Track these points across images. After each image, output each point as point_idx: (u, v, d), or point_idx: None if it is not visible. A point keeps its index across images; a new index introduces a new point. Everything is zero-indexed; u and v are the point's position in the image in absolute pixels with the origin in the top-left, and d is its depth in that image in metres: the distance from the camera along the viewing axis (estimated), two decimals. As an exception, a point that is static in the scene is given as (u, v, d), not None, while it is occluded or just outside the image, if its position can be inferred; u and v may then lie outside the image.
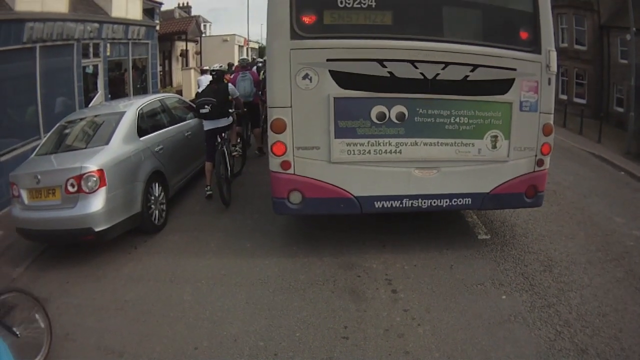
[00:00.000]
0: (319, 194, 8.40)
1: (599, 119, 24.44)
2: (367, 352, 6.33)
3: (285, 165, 8.31)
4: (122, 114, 10.48)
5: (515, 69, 8.32)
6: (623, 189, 14.50)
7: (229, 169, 11.89)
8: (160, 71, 36.25)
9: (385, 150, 8.37)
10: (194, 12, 55.17)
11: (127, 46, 25.70)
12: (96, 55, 22.62)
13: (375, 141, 8.32)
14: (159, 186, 10.49)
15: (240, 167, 13.92)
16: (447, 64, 8.09)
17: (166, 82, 37.15)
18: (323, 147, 8.23)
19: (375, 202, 8.51)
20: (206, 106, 11.43)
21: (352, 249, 9.16)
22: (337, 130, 8.18)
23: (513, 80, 8.36)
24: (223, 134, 11.81)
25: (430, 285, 7.94)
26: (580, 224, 10.79)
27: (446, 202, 8.70)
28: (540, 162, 8.81)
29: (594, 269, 8.58)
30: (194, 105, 12.24)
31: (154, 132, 11.09)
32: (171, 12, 49.04)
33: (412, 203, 8.59)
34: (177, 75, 39.14)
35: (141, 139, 10.46)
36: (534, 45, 8.35)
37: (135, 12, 25.67)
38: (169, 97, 13.65)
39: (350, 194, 8.45)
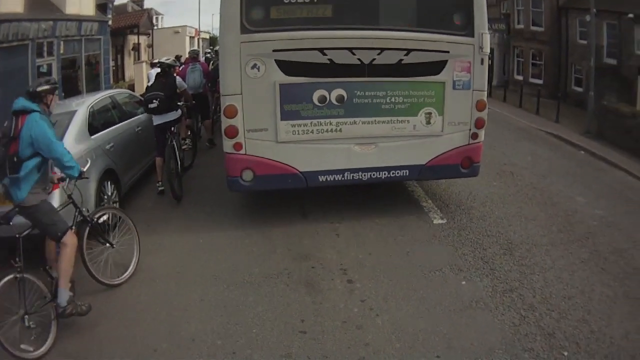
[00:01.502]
0: (269, 171, 9.18)
1: (557, 99, 24.74)
2: (326, 345, 6.11)
3: (238, 146, 9.06)
4: (73, 113, 10.03)
5: (448, 52, 9.20)
6: (584, 168, 14.57)
7: (180, 163, 11.65)
8: (113, 66, 35.82)
9: (327, 130, 9.20)
10: (146, 5, 54.42)
11: (80, 43, 25.34)
12: (50, 54, 22.19)
13: (318, 122, 9.15)
14: (111, 185, 10.11)
15: (191, 160, 13.78)
16: (382, 49, 8.94)
17: (119, 76, 36.43)
18: (271, 128, 9.05)
19: (320, 177, 9.38)
20: (154, 101, 11.06)
21: (306, 239, 9.01)
22: (283, 113, 9.01)
23: (446, 61, 9.25)
24: (172, 128, 11.54)
25: (387, 273, 7.74)
26: (540, 205, 10.74)
27: (385, 174, 9.57)
28: (474, 135, 9.71)
29: (557, 250, 8.52)
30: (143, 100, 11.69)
31: (105, 129, 10.72)
32: (124, 6, 47.93)
33: (353, 176, 9.48)
34: (130, 70, 38.48)
35: (92, 137, 10.06)
36: (467, 29, 9.22)
37: (88, 7, 25.19)
38: (119, 92, 13.22)
39: (297, 169, 9.28)
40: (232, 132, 9.02)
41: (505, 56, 38.85)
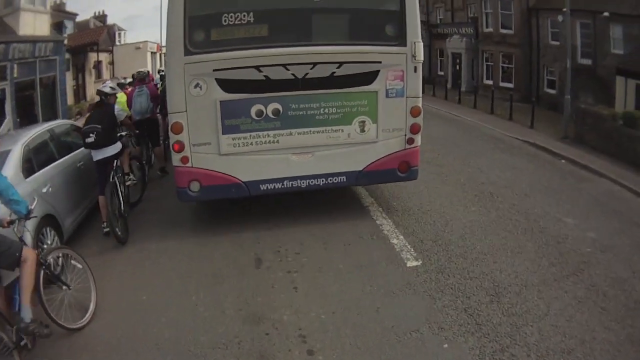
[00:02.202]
0: (214, 182, 9.72)
1: (530, 103, 23.94)
2: None
3: (184, 159, 9.58)
4: (6, 153, 9.09)
5: (380, 62, 9.59)
6: (567, 180, 13.67)
7: (123, 202, 10.59)
8: (73, 86, 35.00)
9: (265, 141, 9.70)
10: (110, 21, 53.24)
11: (35, 65, 24.00)
12: (3, 78, 21.07)
13: (256, 134, 9.66)
14: (51, 232, 9.06)
15: (139, 193, 12.49)
16: (314, 64, 9.39)
17: (80, 96, 34.86)
18: (214, 142, 9.57)
19: (261, 185, 9.87)
20: (91, 134, 10.01)
21: (260, 295, 7.81)
22: (224, 127, 9.52)
23: (378, 71, 9.62)
24: (114, 163, 10.55)
25: (354, 339, 6.52)
26: (526, 232, 9.72)
27: (322, 180, 10.01)
28: (410, 141, 10.08)
29: (550, 290, 7.58)
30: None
31: (42, 169, 9.74)
32: (86, 22, 46.80)
33: (292, 184, 9.97)
34: (91, 88, 36.73)
35: (28, 179, 9.12)
36: (400, 39, 9.58)
37: (43, 27, 24.06)
38: (59, 124, 12.08)
39: (239, 180, 9.81)
40: (179, 147, 9.50)
41: (474, 61, 37.91)
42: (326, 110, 9.77)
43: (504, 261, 8.49)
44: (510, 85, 33.00)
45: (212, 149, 9.64)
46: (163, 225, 10.73)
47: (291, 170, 9.90)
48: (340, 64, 9.50)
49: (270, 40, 9.44)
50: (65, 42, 26.77)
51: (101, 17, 52.52)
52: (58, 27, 26.60)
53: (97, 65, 39.22)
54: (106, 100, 10.74)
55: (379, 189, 11.80)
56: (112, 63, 43.00)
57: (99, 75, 39.61)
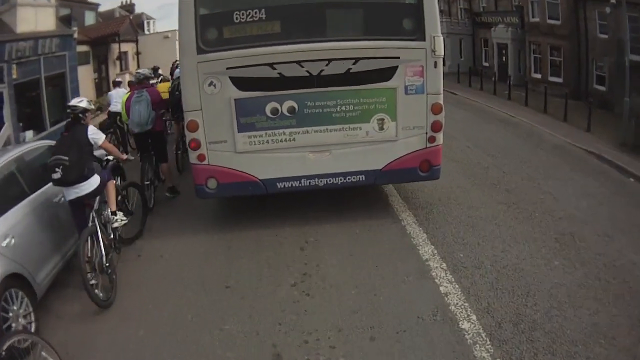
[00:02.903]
0: (231, 179, 9.85)
1: (579, 99, 24.04)
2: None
3: (201, 157, 9.74)
4: None
5: (398, 57, 9.44)
6: None
7: (104, 254, 8.18)
8: (95, 79, 34.58)
9: (281, 139, 9.71)
10: (141, 10, 53.46)
11: (39, 63, 22.58)
12: (0, 80, 19.49)
13: (272, 132, 9.68)
14: (18, 294, 7.17)
15: (139, 226, 10.56)
16: (330, 60, 9.32)
17: (103, 89, 34.11)
18: (230, 140, 9.67)
19: (278, 183, 9.94)
20: (57, 169, 7.95)
21: None
22: (240, 125, 9.61)
23: (396, 67, 9.48)
24: (95, 200, 8.58)
25: None
26: (617, 299, 7.62)
27: (340, 179, 9.99)
28: (431, 139, 9.91)
29: None
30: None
31: (3, 214, 7.61)
32: (111, 12, 45.10)
33: (309, 182, 9.97)
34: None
35: None
36: (418, 33, 9.40)
37: (47, 22, 23.16)
38: (32, 148, 9.57)
39: (256, 177, 9.89)
40: (196, 145, 9.68)
41: (521, 52, 36.63)
42: (343, 108, 9.72)
43: (599, 353, 6.35)
44: (559, 80, 31.97)
45: (229, 146, 9.77)
46: (164, 277, 8.87)
47: (308, 168, 9.94)
48: (357, 60, 9.45)
49: (283, 37, 9.46)
50: (75, 35, 24.94)
51: (128, 7, 51.97)
52: (67, 20, 24.68)
53: (121, 56, 38.27)
54: (81, 120, 8.62)
55: (441, 230, 10.02)
56: (138, 53, 41.71)
57: (125, 67, 38.99)
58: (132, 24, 40.55)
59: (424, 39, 9.45)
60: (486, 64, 41.06)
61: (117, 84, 18.95)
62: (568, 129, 21.29)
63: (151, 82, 13.62)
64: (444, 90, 9.93)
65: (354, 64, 9.43)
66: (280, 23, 9.49)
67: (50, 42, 22.83)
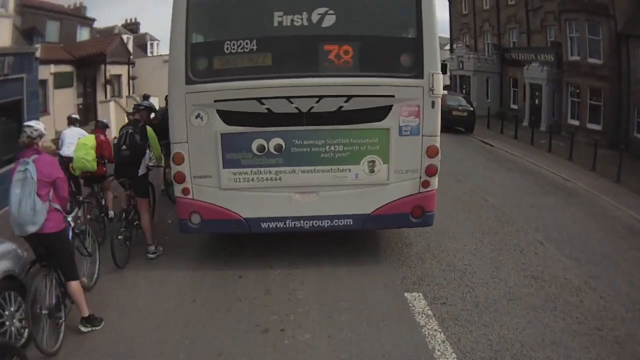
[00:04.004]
0: (214, 216, 9.86)
1: (619, 149, 22.22)
2: None
3: (186, 191, 9.77)
4: None
5: (393, 96, 9.44)
6: None
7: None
8: (79, 104, 30.92)
9: (267, 178, 9.75)
10: (145, 30, 52.05)
11: None
12: None
13: (258, 170, 9.73)
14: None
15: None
16: (320, 97, 9.34)
17: (89, 118, 30.80)
18: (214, 175, 9.73)
19: (262, 223, 9.95)
20: None
21: None
22: (225, 161, 9.65)
23: (391, 106, 9.49)
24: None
25: None
26: None
27: (327, 222, 9.93)
28: (425, 184, 9.85)
29: None
30: None
31: None
32: (111, 29, 42.22)
33: (294, 224, 9.93)
34: (104, 107, 32.43)
35: None
36: (416, 70, 9.42)
37: (1, 36, 18.42)
38: None
39: (240, 215, 9.87)
40: (180, 178, 9.74)
41: (555, 95, 34.14)
42: (332, 148, 9.62)
43: None
44: (598, 127, 29.95)
45: (213, 182, 9.74)
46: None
47: (294, 209, 9.85)
48: (349, 97, 9.32)
49: (273, 70, 9.41)
50: (38, 54, 21.06)
51: (131, 25, 50.51)
52: (28, 34, 21.02)
53: (111, 80, 34.27)
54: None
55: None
56: (134, 78, 38.68)
57: (118, 93, 35.92)
58: (123, 44, 38.70)
59: (422, 77, 9.31)
60: (514, 106, 39.28)
61: (72, 122, 15.05)
62: (629, 195, 18.44)
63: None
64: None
65: (345, 101, 9.35)
66: (272, 55, 9.46)
67: (2, 62, 19.18)
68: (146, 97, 20.20)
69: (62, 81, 27.70)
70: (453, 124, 30.54)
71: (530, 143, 28.81)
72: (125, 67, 38.45)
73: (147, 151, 11.08)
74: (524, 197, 17.14)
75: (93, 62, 32.93)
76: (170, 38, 9.38)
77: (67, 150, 13.90)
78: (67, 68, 29.47)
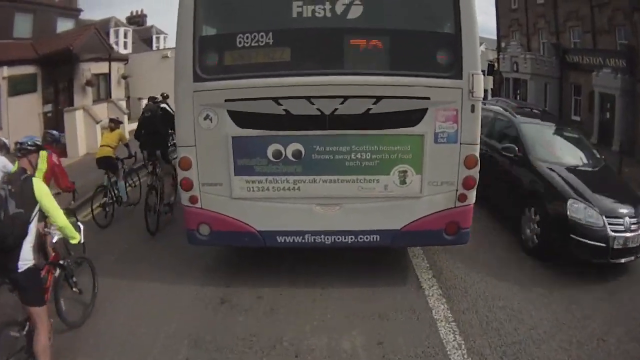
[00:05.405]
0: (225, 228, 9.71)
1: None
2: None
3: (193, 199, 9.56)
4: None
5: (428, 98, 9.15)
6: None
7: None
8: (46, 112, 27.11)
9: (284, 187, 9.54)
10: (152, 23, 48.93)
11: None
12: None
13: (273, 178, 9.52)
14: None
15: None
16: (345, 97, 9.00)
17: (61, 128, 25.94)
18: (225, 183, 9.54)
19: (278, 237, 9.82)
20: None
21: None
22: (237, 168, 9.46)
23: (426, 110, 9.25)
24: None
25: None
26: None
27: (351, 238, 9.64)
28: (462, 197, 9.51)
29: None
30: None
31: None
32: (106, 22, 38.38)
33: (314, 239, 9.72)
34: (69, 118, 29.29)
35: None
36: (453, 70, 9.15)
37: None
38: None
39: (254, 228, 9.73)
40: (188, 185, 9.47)
41: (628, 107, 29.17)
42: (359, 156, 9.17)
43: None
44: None
45: (224, 190, 9.40)
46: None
47: (314, 223, 9.53)
48: (378, 98, 8.87)
49: (292, 67, 9.03)
50: None
51: (137, 18, 48.53)
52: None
53: (91, 81, 31.82)
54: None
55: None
56: (126, 77, 35.83)
57: (102, 95, 31.65)
58: (100, 36, 33.24)
59: (460, 77, 8.90)
60: (576, 117, 34.96)
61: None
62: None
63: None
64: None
65: (374, 103, 8.88)
66: (290, 50, 9.04)
67: None
68: (165, 97, 18.20)
69: (20, 86, 24.76)
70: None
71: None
72: (118, 64, 35.70)
73: None
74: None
75: (66, 60, 29.09)
76: (177, 30, 9.06)
77: None
78: (28, 69, 26.41)
